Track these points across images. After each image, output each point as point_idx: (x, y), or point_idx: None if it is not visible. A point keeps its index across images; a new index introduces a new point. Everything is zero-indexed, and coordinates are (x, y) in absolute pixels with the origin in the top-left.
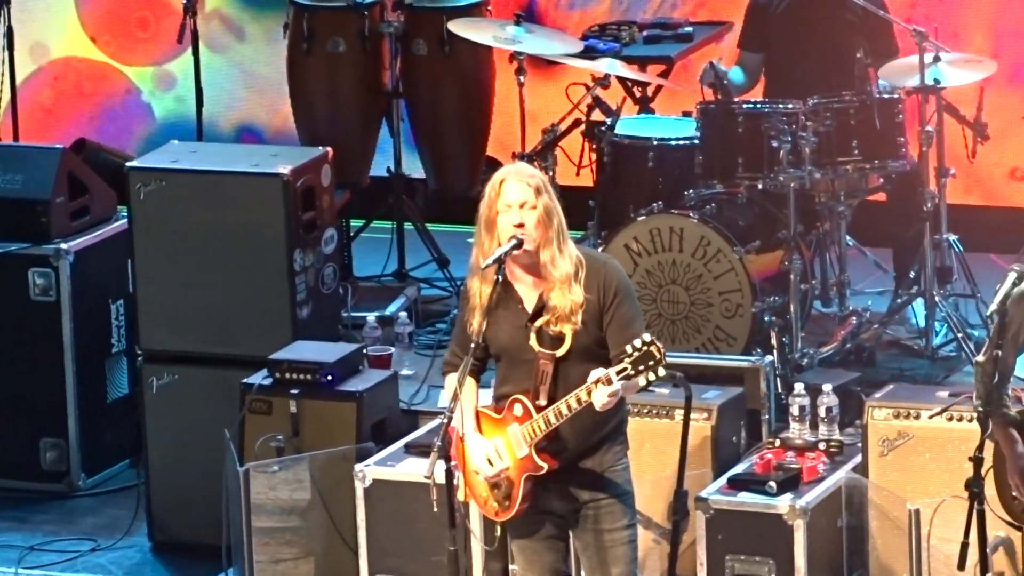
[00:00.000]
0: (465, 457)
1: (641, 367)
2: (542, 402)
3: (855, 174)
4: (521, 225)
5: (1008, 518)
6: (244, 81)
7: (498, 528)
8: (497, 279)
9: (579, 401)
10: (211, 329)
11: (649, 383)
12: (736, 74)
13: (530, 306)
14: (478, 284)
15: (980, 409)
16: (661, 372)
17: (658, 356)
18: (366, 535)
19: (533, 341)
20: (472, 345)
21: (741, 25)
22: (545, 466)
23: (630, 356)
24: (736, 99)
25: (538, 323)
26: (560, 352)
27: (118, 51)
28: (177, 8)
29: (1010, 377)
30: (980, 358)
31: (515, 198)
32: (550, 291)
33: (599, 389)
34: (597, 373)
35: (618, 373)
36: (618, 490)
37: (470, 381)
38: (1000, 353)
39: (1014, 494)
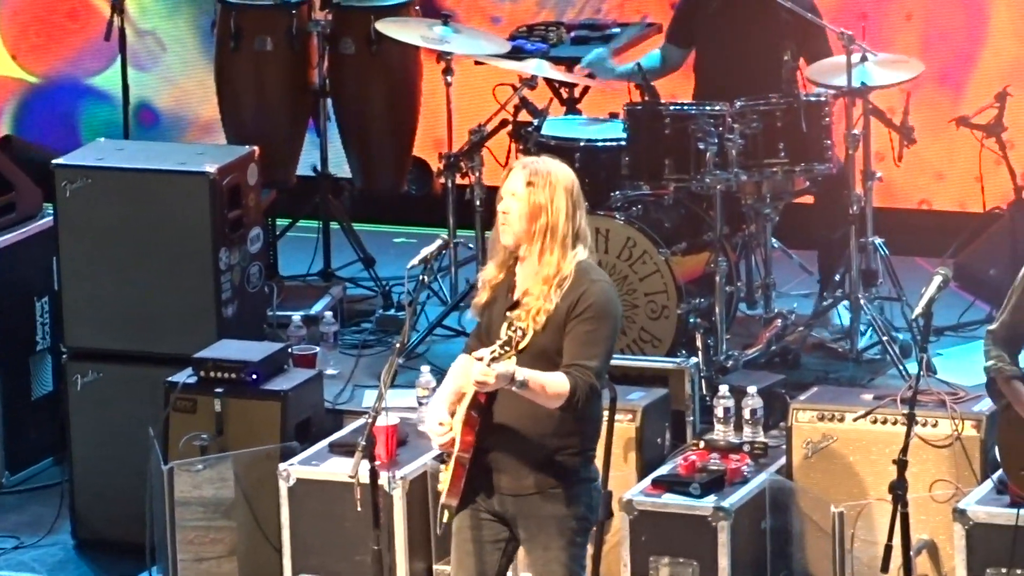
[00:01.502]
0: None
1: (503, 351)
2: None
3: (781, 176)
4: (506, 213)
5: (1019, 491)
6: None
7: (445, 514)
8: (421, 279)
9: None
10: (136, 327)
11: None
12: (651, 59)
13: (517, 295)
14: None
15: (988, 373)
16: (508, 365)
17: (512, 346)
18: (290, 534)
19: (503, 330)
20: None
21: (671, 18)
22: (457, 449)
23: (502, 339)
24: (663, 100)
25: (512, 315)
26: (521, 346)
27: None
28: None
29: (1020, 342)
30: (992, 327)
31: (508, 187)
32: (533, 286)
33: (474, 367)
34: (480, 352)
35: (491, 353)
36: (558, 511)
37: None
38: (1009, 319)
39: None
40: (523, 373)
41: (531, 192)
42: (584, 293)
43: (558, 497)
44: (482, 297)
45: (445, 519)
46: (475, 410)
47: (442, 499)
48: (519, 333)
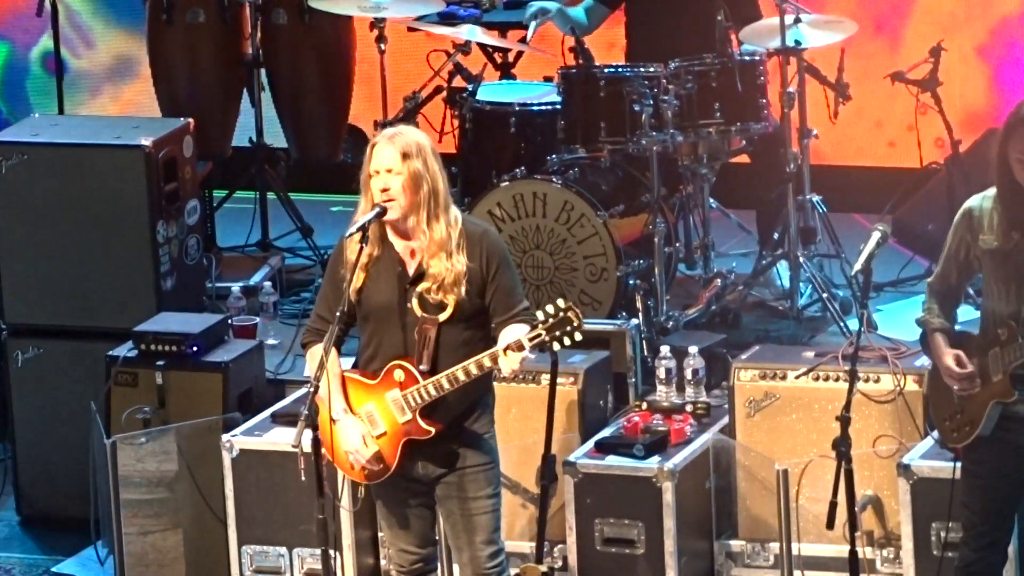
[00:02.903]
0: (331, 429)
1: (557, 332)
2: (424, 367)
3: (717, 137)
4: (386, 190)
5: (947, 443)
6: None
7: (361, 490)
8: (361, 247)
9: (480, 367)
10: (75, 302)
11: (563, 347)
12: (577, 14)
13: (412, 269)
14: (355, 245)
15: (918, 325)
16: (578, 336)
17: (576, 322)
18: (235, 505)
19: (414, 304)
20: (342, 306)
21: None
22: (432, 430)
23: (545, 323)
24: (597, 63)
25: (419, 288)
26: (443, 316)
27: None
28: None
29: (955, 294)
30: (930, 279)
31: (381, 163)
32: (429, 257)
33: (509, 356)
34: (506, 340)
35: (531, 339)
36: (484, 459)
37: (334, 353)
38: (941, 271)
39: (947, 420)
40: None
41: (408, 164)
42: (486, 249)
43: (479, 449)
44: (357, 281)
45: (362, 494)
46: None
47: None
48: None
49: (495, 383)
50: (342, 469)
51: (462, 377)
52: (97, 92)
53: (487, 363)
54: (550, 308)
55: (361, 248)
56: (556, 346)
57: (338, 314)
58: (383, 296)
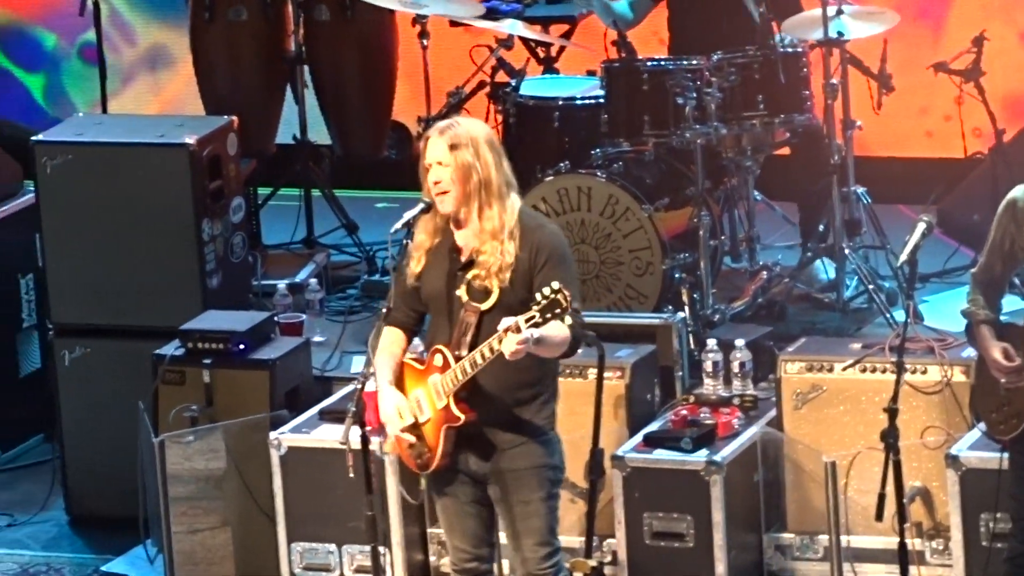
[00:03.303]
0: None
1: (548, 315)
2: (462, 353)
3: (761, 129)
4: (438, 182)
5: (993, 435)
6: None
7: (422, 481)
8: (405, 242)
9: (491, 350)
10: (121, 301)
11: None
12: (621, 8)
13: (464, 256)
14: (421, 235)
15: (963, 316)
16: (568, 320)
17: (564, 304)
18: (283, 503)
19: (462, 291)
20: (405, 289)
21: None
22: (463, 417)
23: (538, 304)
24: (639, 57)
25: (469, 274)
26: (485, 305)
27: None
28: None
29: (1000, 285)
30: (974, 270)
31: (432, 156)
32: (480, 245)
33: (508, 337)
34: (507, 321)
35: (527, 320)
36: (536, 461)
37: (397, 333)
38: (985, 261)
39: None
40: (537, 332)
41: (456, 155)
42: (538, 241)
43: (532, 449)
44: (418, 264)
45: (424, 486)
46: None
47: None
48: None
49: None
50: (402, 457)
51: (479, 360)
52: (139, 88)
53: (496, 346)
54: (545, 290)
55: (405, 245)
56: (550, 330)
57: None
58: (436, 283)
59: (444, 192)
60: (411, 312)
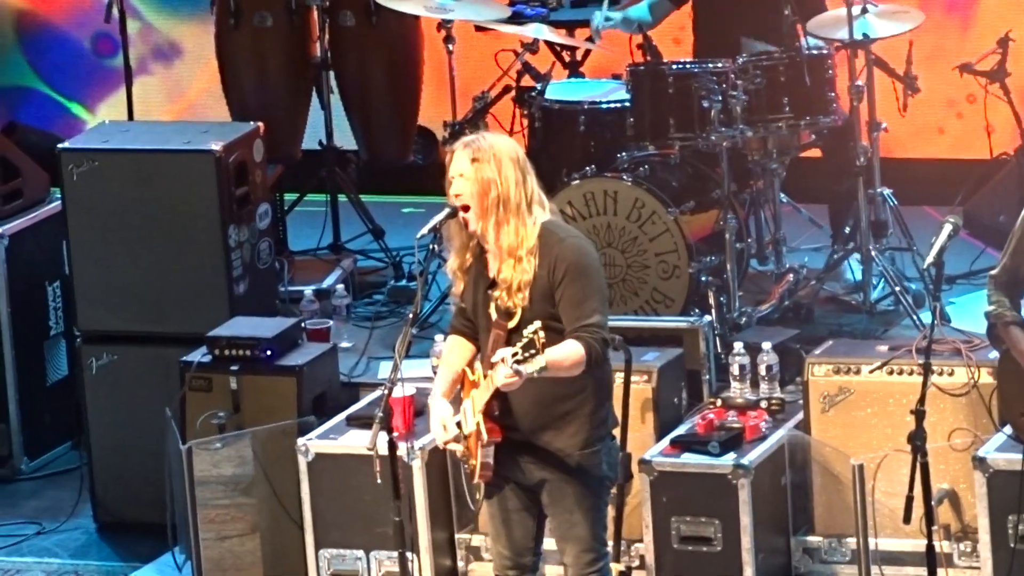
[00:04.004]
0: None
1: (527, 354)
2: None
3: (787, 131)
4: (458, 195)
5: (1020, 436)
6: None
7: (479, 492)
8: (432, 248)
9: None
10: (148, 308)
11: (530, 372)
12: (640, 11)
13: (492, 273)
14: (451, 254)
15: (988, 319)
16: (539, 362)
17: (537, 347)
18: (311, 509)
19: (492, 309)
20: (454, 307)
21: None
22: (486, 436)
23: (523, 340)
24: (664, 60)
25: (495, 293)
26: (511, 324)
27: None
28: None
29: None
30: (993, 272)
31: (454, 168)
32: (499, 263)
33: (498, 369)
34: (500, 353)
35: (512, 356)
36: (581, 473)
37: (462, 342)
38: (1008, 263)
39: (1022, 415)
40: (542, 361)
41: (478, 168)
42: (556, 257)
43: (580, 459)
44: (459, 286)
45: (480, 495)
46: (495, 399)
47: (475, 479)
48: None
49: None
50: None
51: (490, 385)
52: (166, 93)
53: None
54: (527, 329)
55: (432, 250)
56: (525, 368)
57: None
58: (472, 301)
59: (465, 207)
60: (467, 323)
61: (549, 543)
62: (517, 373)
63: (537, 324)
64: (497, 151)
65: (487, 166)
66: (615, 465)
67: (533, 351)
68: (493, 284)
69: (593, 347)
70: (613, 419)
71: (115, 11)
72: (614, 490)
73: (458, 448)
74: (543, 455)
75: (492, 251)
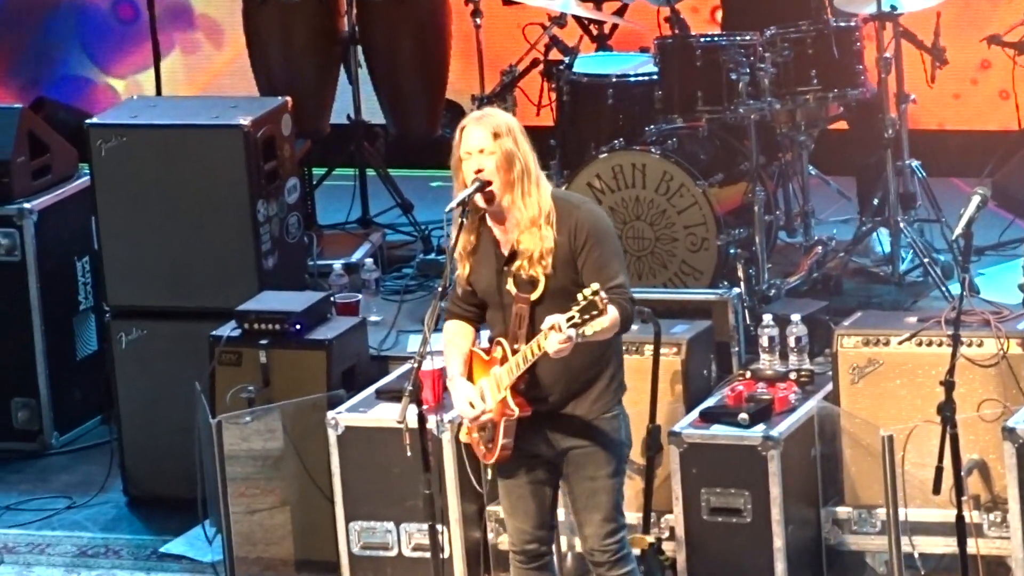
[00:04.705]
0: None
1: (586, 316)
2: (519, 346)
3: (815, 103)
4: (480, 171)
5: None
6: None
7: (489, 471)
8: (462, 222)
9: (538, 347)
10: (178, 283)
11: (591, 333)
12: None
13: (506, 249)
14: (454, 231)
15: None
16: (598, 325)
17: (600, 307)
18: (341, 482)
19: (510, 285)
20: (460, 291)
21: None
22: (516, 411)
23: (578, 304)
24: (692, 33)
25: (513, 266)
26: (534, 296)
27: None
28: None
29: None
30: None
31: (473, 144)
32: (520, 234)
33: (550, 336)
34: (551, 320)
35: (568, 320)
36: (604, 438)
37: (464, 326)
38: None
39: None
40: (605, 321)
41: (500, 142)
42: (576, 223)
43: (602, 424)
44: (465, 268)
45: (490, 476)
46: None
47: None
48: (588, 300)
49: None
50: (474, 448)
51: (529, 356)
52: (190, 66)
53: (542, 343)
54: (586, 291)
55: (461, 223)
56: (586, 330)
57: (459, 292)
58: (485, 280)
59: (488, 181)
60: (470, 307)
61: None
62: (569, 338)
63: (596, 286)
64: (511, 124)
65: (507, 139)
66: (629, 431)
67: (594, 312)
68: (510, 259)
69: (626, 308)
70: (624, 384)
71: None
72: (642, 461)
73: (484, 427)
74: (567, 423)
75: (512, 224)
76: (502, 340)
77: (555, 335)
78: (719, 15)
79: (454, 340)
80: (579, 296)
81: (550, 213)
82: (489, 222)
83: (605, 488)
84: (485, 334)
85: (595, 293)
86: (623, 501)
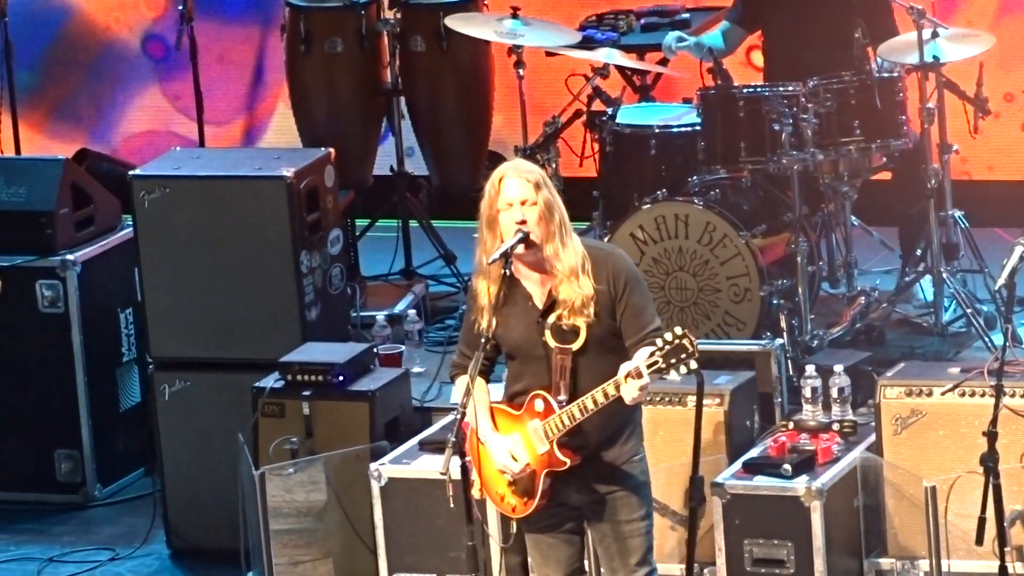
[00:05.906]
0: (480, 455)
1: (673, 360)
2: (563, 397)
3: (857, 154)
4: (523, 222)
5: None
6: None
7: (513, 525)
8: (504, 273)
9: (606, 395)
10: (221, 334)
11: (680, 375)
12: (714, 39)
13: (540, 302)
14: (484, 283)
15: None
16: (693, 364)
17: (691, 348)
18: (384, 534)
19: (548, 337)
20: (483, 341)
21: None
22: (568, 462)
23: (661, 349)
24: (735, 84)
25: (551, 318)
26: (576, 346)
27: None
28: None
29: None
30: None
31: (515, 195)
32: (558, 285)
33: (628, 383)
34: (626, 367)
35: (648, 367)
36: (634, 481)
37: (481, 382)
38: None
39: None
40: (694, 364)
41: (541, 193)
42: (613, 270)
43: (629, 472)
44: (488, 323)
45: (515, 529)
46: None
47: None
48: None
49: (643, 406)
50: (493, 503)
51: (591, 406)
52: (229, 118)
53: (612, 391)
54: (668, 335)
55: (505, 275)
56: (673, 374)
57: (482, 343)
58: (517, 334)
59: (528, 232)
60: (487, 361)
61: None
62: (642, 394)
63: (682, 329)
64: (543, 175)
65: (547, 190)
66: (648, 472)
67: (683, 355)
68: (547, 311)
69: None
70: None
71: (185, 38)
72: (685, 512)
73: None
74: (599, 469)
75: (551, 274)
76: (542, 393)
77: (634, 382)
78: (754, 56)
79: (480, 396)
80: (659, 340)
81: (585, 262)
82: (521, 274)
83: (638, 531)
84: (494, 387)
85: (683, 336)
86: (653, 545)
